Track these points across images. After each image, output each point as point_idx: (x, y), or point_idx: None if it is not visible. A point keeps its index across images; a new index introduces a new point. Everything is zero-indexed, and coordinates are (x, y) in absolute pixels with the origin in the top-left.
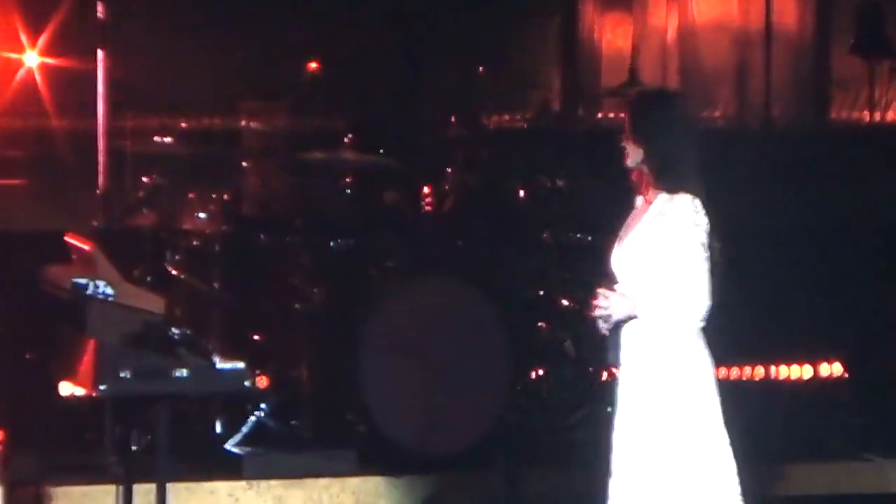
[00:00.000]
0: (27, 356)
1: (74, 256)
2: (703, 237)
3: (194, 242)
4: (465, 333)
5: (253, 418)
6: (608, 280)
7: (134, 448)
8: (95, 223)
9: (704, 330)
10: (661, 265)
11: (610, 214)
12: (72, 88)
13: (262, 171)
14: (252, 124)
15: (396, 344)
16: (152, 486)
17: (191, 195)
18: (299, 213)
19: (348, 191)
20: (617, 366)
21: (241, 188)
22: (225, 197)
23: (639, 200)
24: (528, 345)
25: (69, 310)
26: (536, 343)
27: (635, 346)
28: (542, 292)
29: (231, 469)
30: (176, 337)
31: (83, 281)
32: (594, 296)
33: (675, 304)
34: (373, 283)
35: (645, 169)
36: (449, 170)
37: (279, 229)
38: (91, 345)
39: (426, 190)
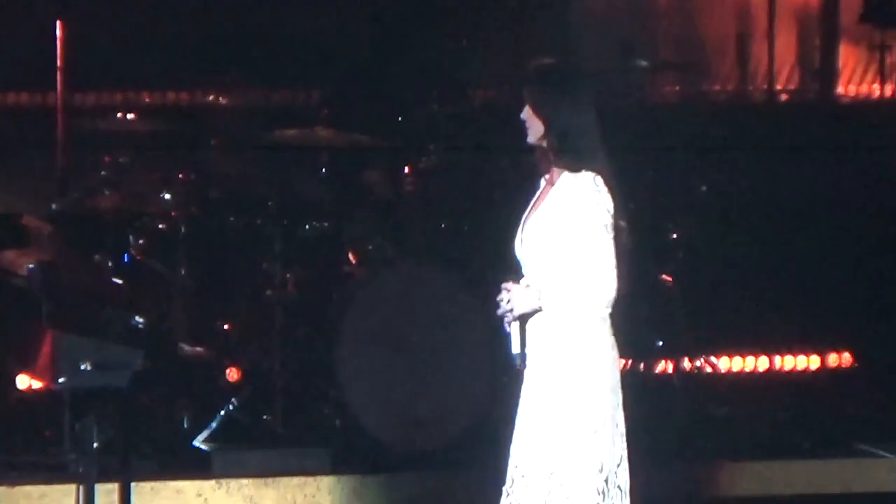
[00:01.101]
0: None
1: (31, 241)
2: (606, 218)
3: (159, 225)
4: (450, 323)
5: (223, 413)
6: (512, 270)
7: (95, 445)
8: (53, 205)
9: (612, 317)
10: (563, 251)
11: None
12: (29, 61)
13: (231, 150)
14: (221, 100)
15: (376, 334)
16: (115, 486)
17: (155, 175)
18: (271, 195)
19: (323, 170)
20: (520, 366)
21: (210, 168)
22: (192, 177)
23: (542, 181)
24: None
25: (25, 297)
26: None
27: (539, 339)
28: None
29: (199, 467)
30: (139, 326)
31: (40, 266)
32: (497, 290)
33: (579, 292)
34: (350, 270)
35: (545, 145)
36: (432, 147)
37: (250, 212)
38: (49, 335)
39: (407, 169)
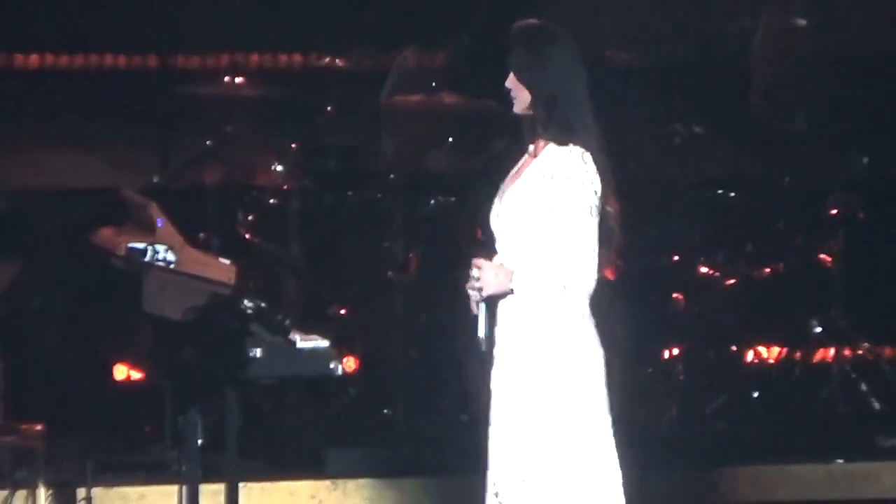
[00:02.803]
0: (74, 334)
1: (130, 217)
2: (592, 199)
3: (270, 200)
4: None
5: (338, 407)
6: (487, 244)
7: (199, 442)
8: (155, 178)
9: (596, 312)
10: (541, 230)
11: (753, 165)
12: (127, 21)
13: (348, 118)
14: (337, 63)
15: None
16: (221, 487)
17: (265, 145)
18: (392, 166)
19: (449, 139)
20: (485, 350)
21: (325, 137)
22: (305, 148)
23: (530, 149)
24: (659, 320)
25: (123, 279)
26: (669, 317)
27: (511, 327)
28: (676, 257)
29: (313, 466)
30: (248, 311)
31: (140, 245)
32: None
33: (554, 278)
34: (478, 248)
35: (531, 115)
36: None
37: (369, 185)
38: (149, 321)
39: None
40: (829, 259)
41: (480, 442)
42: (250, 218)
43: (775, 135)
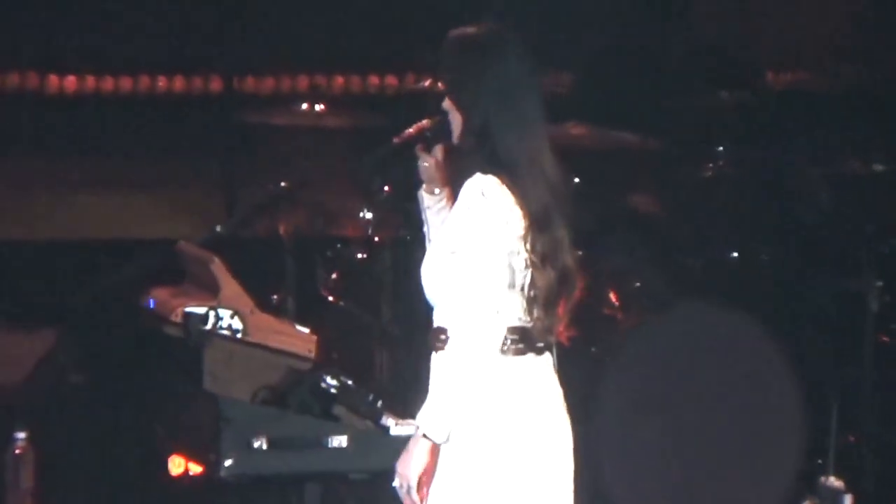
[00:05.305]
0: (119, 419)
1: (188, 274)
2: (488, 233)
3: (356, 255)
4: (737, 383)
5: None
6: None
7: None
8: (217, 227)
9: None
10: (443, 278)
11: None
12: (181, 41)
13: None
14: (438, 87)
15: (642, 398)
16: None
17: (351, 187)
18: None
19: (575, 179)
20: None
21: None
22: (400, 190)
23: None
24: (833, 398)
25: (180, 351)
26: (845, 395)
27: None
28: (853, 321)
29: None
30: (331, 390)
31: (200, 310)
32: None
33: (455, 331)
34: (608, 313)
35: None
36: (720, 148)
37: None
38: (212, 402)
39: (683, 176)
40: None
41: None
42: (334, 276)
43: None
